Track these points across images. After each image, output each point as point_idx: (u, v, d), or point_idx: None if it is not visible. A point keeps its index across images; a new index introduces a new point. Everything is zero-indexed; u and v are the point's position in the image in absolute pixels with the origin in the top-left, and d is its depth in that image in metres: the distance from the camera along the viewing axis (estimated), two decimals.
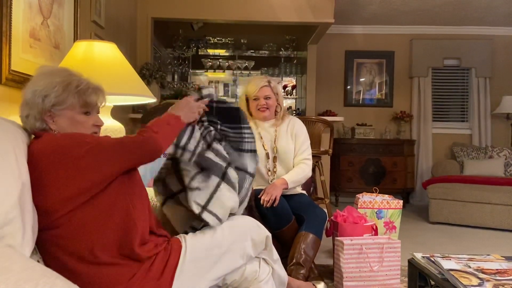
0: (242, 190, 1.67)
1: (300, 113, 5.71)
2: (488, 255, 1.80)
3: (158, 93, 4.75)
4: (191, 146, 1.58)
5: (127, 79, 2.21)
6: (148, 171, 2.32)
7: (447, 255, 1.74)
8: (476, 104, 5.95)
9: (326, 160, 4.51)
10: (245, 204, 1.73)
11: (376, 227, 2.64)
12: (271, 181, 2.50)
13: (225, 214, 1.56)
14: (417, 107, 6.01)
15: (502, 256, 1.75)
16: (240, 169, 1.69)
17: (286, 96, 6.02)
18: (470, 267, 1.55)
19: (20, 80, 1.97)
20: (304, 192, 2.68)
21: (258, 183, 2.52)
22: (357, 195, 3.04)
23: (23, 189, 1.17)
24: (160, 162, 2.29)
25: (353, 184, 5.50)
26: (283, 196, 2.40)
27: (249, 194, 1.74)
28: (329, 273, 2.59)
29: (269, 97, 2.56)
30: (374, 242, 2.37)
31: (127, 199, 1.31)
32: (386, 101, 6.13)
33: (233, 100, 6.00)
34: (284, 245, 2.37)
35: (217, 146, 1.65)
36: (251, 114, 2.62)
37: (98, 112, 1.46)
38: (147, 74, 4.32)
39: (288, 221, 2.38)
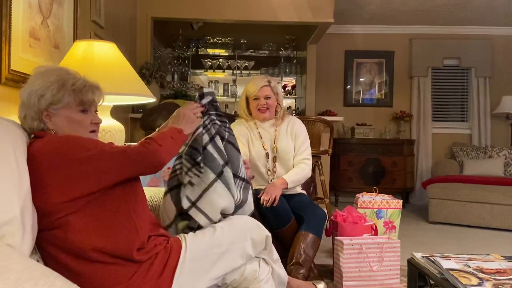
0: (235, 193, 1.63)
1: (300, 113, 5.71)
2: (488, 254, 1.80)
3: (157, 93, 4.76)
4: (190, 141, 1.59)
5: (126, 79, 2.21)
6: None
7: (446, 254, 1.74)
8: (476, 104, 5.95)
9: (326, 160, 4.51)
10: (246, 209, 1.70)
11: (375, 227, 2.64)
12: (271, 181, 2.50)
13: (215, 214, 1.54)
14: (416, 107, 6.01)
15: (501, 256, 1.75)
16: (232, 173, 1.65)
17: (286, 96, 6.02)
18: (469, 266, 1.55)
19: (19, 80, 1.97)
20: (303, 192, 2.68)
21: (258, 183, 2.52)
22: (356, 195, 3.04)
23: (23, 189, 1.17)
24: None
25: (352, 184, 5.50)
26: (283, 196, 2.40)
27: (247, 200, 1.70)
28: (328, 272, 2.59)
29: (269, 97, 2.56)
30: (373, 242, 2.37)
31: (130, 208, 1.31)
32: (385, 101, 6.13)
33: (233, 100, 6.01)
34: (284, 245, 2.37)
35: (218, 141, 1.64)
36: (251, 114, 2.63)
37: (96, 110, 1.45)
38: (146, 74, 4.32)
39: (288, 221, 2.38)
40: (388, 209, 2.92)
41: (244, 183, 1.69)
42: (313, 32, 5.01)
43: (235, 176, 1.66)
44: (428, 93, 6.00)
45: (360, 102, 6.15)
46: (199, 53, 6.01)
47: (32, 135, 1.35)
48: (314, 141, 3.51)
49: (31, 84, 1.33)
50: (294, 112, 5.85)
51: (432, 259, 1.65)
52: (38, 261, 1.24)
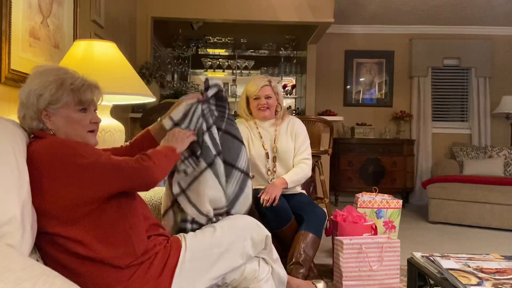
0: (229, 185, 1.64)
1: (299, 113, 5.71)
2: (488, 254, 1.80)
3: (157, 92, 4.76)
4: (184, 125, 1.60)
5: (126, 78, 2.21)
6: None
7: (446, 254, 1.74)
8: (476, 104, 5.95)
9: (325, 160, 4.51)
10: (242, 202, 1.68)
11: (375, 226, 2.64)
12: (271, 181, 2.50)
13: (202, 203, 1.54)
14: (416, 107, 6.01)
15: (501, 256, 1.76)
16: (229, 164, 1.66)
17: (285, 96, 6.02)
18: (469, 266, 1.55)
19: (19, 79, 1.97)
20: (303, 191, 2.68)
21: (258, 182, 2.52)
22: (356, 195, 3.04)
23: (22, 189, 1.17)
24: None
25: (352, 184, 5.50)
26: (283, 195, 2.40)
27: (244, 193, 1.69)
28: (328, 272, 2.60)
29: (270, 97, 2.56)
30: (373, 241, 2.37)
31: (126, 223, 1.30)
32: (385, 100, 6.13)
33: (233, 99, 6.01)
34: (283, 245, 2.37)
35: (214, 131, 1.64)
36: (251, 113, 2.63)
37: (96, 109, 1.45)
38: (146, 73, 4.32)
39: (287, 221, 2.38)
40: (388, 209, 2.92)
41: (243, 175, 1.68)
42: (313, 32, 5.01)
43: (233, 166, 1.66)
44: (428, 93, 6.00)
45: (360, 102, 6.15)
46: (199, 52, 6.01)
47: (32, 135, 1.35)
48: (314, 141, 3.51)
49: (30, 83, 1.33)
50: (294, 112, 5.85)
51: (432, 258, 1.65)
52: (37, 260, 1.24)
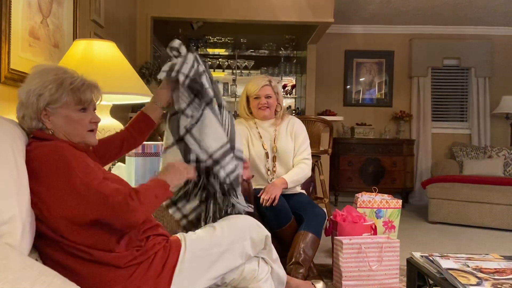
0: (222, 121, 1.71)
1: (299, 113, 5.71)
2: (487, 254, 1.80)
3: None
4: (185, 69, 1.60)
5: (126, 78, 2.21)
6: (147, 171, 2.32)
7: (445, 254, 1.74)
8: (476, 104, 5.95)
9: (325, 160, 4.51)
10: (239, 139, 1.74)
11: (375, 226, 2.64)
12: (271, 181, 2.50)
13: (202, 139, 1.59)
14: (416, 107, 6.01)
15: (500, 256, 1.76)
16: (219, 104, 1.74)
17: (285, 96, 6.02)
18: (468, 266, 1.55)
19: (19, 79, 1.96)
20: (303, 191, 2.68)
21: (257, 182, 2.52)
22: (356, 195, 3.04)
23: (21, 188, 1.18)
24: (158, 162, 2.29)
25: (352, 184, 5.51)
26: (283, 195, 2.40)
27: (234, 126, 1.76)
28: (328, 272, 2.59)
29: (270, 96, 2.57)
30: (373, 241, 2.37)
31: (111, 244, 1.28)
32: (385, 100, 6.13)
33: (233, 99, 6.01)
34: (283, 245, 2.37)
35: (208, 75, 1.69)
36: (251, 113, 2.63)
37: (95, 109, 1.45)
38: (146, 73, 4.32)
39: (287, 221, 2.38)
40: (388, 208, 2.92)
41: (230, 113, 1.76)
42: (313, 31, 5.01)
43: (220, 106, 1.74)
44: (428, 93, 6.00)
45: (360, 102, 6.15)
46: (199, 52, 6.00)
47: (31, 135, 1.35)
48: (314, 141, 3.51)
49: (29, 83, 1.33)
50: (294, 112, 5.85)
51: (431, 258, 1.65)
52: (36, 260, 1.24)
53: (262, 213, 2.33)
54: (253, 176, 2.47)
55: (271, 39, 6.00)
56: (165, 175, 1.44)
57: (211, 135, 1.62)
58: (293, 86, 6.24)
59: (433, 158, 5.92)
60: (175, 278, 1.33)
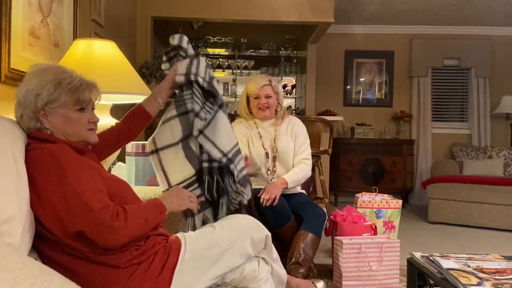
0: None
1: (299, 113, 5.71)
2: (487, 254, 1.80)
3: None
4: (202, 73, 1.66)
5: (126, 77, 2.21)
6: (148, 171, 2.32)
7: (446, 254, 1.74)
8: (476, 104, 5.95)
9: (325, 160, 4.50)
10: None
11: (375, 226, 2.64)
12: (271, 181, 2.50)
13: (217, 139, 1.65)
14: (416, 107, 6.01)
15: (501, 256, 1.76)
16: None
17: (285, 96, 6.02)
18: (469, 266, 1.55)
19: (19, 79, 1.96)
20: (303, 191, 2.68)
21: (257, 182, 2.52)
22: (356, 195, 3.04)
23: (21, 188, 1.17)
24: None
25: (352, 184, 5.50)
26: (283, 195, 2.40)
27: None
28: (328, 272, 2.59)
29: (270, 96, 2.57)
30: (373, 241, 2.37)
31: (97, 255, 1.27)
32: (385, 101, 6.13)
33: (233, 99, 6.01)
34: (283, 244, 2.37)
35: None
36: (251, 113, 2.63)
37: (93, 108, 1.44)
38: (146, 73, 4.31)
39: (287, 221, 2.38)
40: (388, 209, 2.91)
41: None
42: (313, 31, 5.00)
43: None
44: (428, 93, 6.00)
45: (360, 102, 6.15)
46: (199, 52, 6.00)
47: (30, 135, 1.34)
48: (314, 141, 3.51)
49: (27, 83, 1.32)
50: (294, 112, 5.85)
51: (431, 258, 1.65)
52: (36, 259, 1.24)
53: (262, 213, 2.33)
54: (257, 174, 2.47)
55: (271, 39, 6.00)
56: (166, 198, 1.42)
57: (225, 135, 1.68)
58: (293, 86, 6.24)
59: (433, 158, 5.92)
60: (175, 278, 1.33)
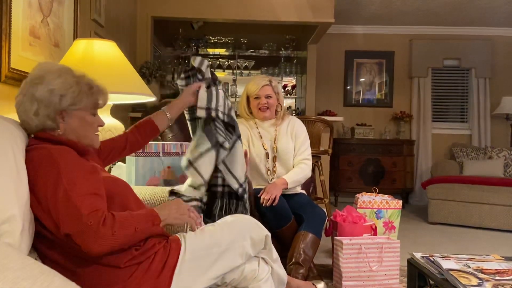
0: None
1: (299, 113, 5.71)
2: (488, 255, 1.80)
3: (157, 92, 4.76)
4: (221, 106, 1.76)
5: (127, 77, 2.21)
6: (148, 171, 2.31)
7: (446, 255, 1.74)
8: (476, 104, 5.95)
9: (325, 160, 4.51)
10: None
11: (375, 227, 2.64)
12: (271, 181, 2.50)
13: (235, 168, 1.79)
14: (416, 107, 6.01)
15: (501, 256, 1.75)
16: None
17: (286, 96, 6.02)
18: (469, 267, 1.55)
19: (19, 78, 1.96)
20: (303, 191, 2.68)
21: (257, 182, 2.52)
22: (356, 195, 3.04)
23: (21, 188, 1.17)
24: (158, 162, 2.28)
25: (352, 184, 5.50)
26: (283, 195, 2.40)
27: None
28: (328, 272, 2.59)
29: (270, 96, 2.57)
30: (373, 242, 2.37)
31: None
32: (385, 101, 6.13)
33: (233, 99, 6.01)
34: (283, 245, 2.37)
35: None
36: (251, 113, 2.63)
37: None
38: (147, 73, 4.32)
39: (287, 221, 2.38)
40: (388, 209, 2.91)
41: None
42: (313, 32, 5.01)
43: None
44: (428, 93, 6.00)
45: (360, 102, 6.15)
46: (199, 52, 6.00)
47: (32, 135, 1.35)
48: (314, 141, 3.51)
49: (49, 82, 1.32)
50: (294, 112, 5.85)
51: (432, 259, 1.65)
52: (36, 259, 1.24)
53: (262, 213, 2.33)
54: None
55: (271, 39, 6.00)
56: (163, 209, 1.39)
57: (241, 165, 1.82)
58: (293, 87, 6.24)
59: (433, 159, 5.92)
60: (175, 278, 1.33)
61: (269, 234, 1.63)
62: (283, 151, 2.54)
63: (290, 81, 6.37)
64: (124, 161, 2.39)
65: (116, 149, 1.68)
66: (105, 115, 2.21)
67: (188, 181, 1.78)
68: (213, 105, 1.74)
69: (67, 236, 1.17)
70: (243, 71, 6.00)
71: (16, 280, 0.77)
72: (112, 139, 1.70)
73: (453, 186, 4.47)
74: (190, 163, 1.74)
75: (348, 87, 6.13)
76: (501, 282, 1.41)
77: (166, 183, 2.28)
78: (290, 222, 2.39)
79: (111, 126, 2.20)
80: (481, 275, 1.46)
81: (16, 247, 1.09)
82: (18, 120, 1.37)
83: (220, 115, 1.75)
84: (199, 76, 1.83)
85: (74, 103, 1.34)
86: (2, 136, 1.21)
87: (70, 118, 1.35)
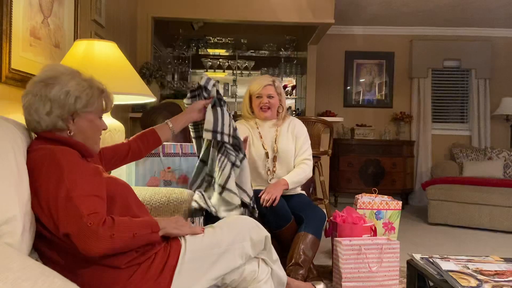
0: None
1: (299, 114, 5.71)
2: (487, 256, 1.80)
3: (158, 92, 4.76)
4: (226, 129, 1.83)
5: (127, 78, 2.21)
6: (147, 172, 2.32)
7: (446, 256, 1.75)
8: (476, 105, 5.96)
9: (325, 161, 4.51)
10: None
11: (375, 227, 2.64)
12: (270, 181, 2.50)
13: (245, 183, 1.91)
14: (416, 108, 6.02)
15: (501, 258, 1.76)
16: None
17: (286, 96, 6.01)
18: (469, 268, 1.55)
19: (20, 79, 1.97)
20: (303, 192, 2.68)
21: (257, 183, 2.52)
22: (356, 196, 3.04)
23: (22, 188, 1.17)
24: (158, 163, 2.29)
25: (352, 185, 5.50)
26: (283, 196, 2.40)
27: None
28: (328, 273, 2.59)
29: (272, 96, 2.57)
30: (373, 242, 2.37)
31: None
32: (385, 102, 6.13)
33: (233, 100, 6.01)
34: (283, 246, 2.37)
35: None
36: (253, 112, 2.63)
37: None
38: (147, 73, 4.32)
39: (287, 221, 2.38)
40: (388, 210, 2.92)
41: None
42: (314, 32, 5.01)
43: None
44: (428, 94, 6.00)
45: (360, 103, 6.16)
46: (200, 53, 6.01)
47: (35, 136, 1.35)
48: (314, 142, 3.51)
49: (65, 83, 1.33)
50: (294, 112, 5.85)
51: (431, 260, 1.65)
52: (37, 260, 1.24)
53: (262, 214, 2.33)
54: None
55: (271, 40, 6.01)
56: (163, 219, 1.40)
57: (249, 180, 1.94)
58: (294, 87, 6.25)
59: (433, 160, 5.92)
60: (175, 279, 1.33)
61: (269, 235, 1.63)
62: (284, 151, 2.55)
63: (290, 81, 6.38)
64: None
65: (118, 156, 1.71)
66: (105, 116, 2.21)
67: (221, 204, 1.88)
68: (219, 128, 1.82)
69: (66, 236, 1.17)
70: (243, 72, 6.00)
71: (17, 281, 0.78)
72: (115, 146, 1.72)
73: (453, 187, 4.48)
74: (223, 187, 1.85)
75: (348, 87, 6.13)
76: (500, 283, 1.41)
77: (166, 183, 2.29)
78: (290, 222, 2.39)
79: (111, 126, 2.20)
80: (480, 277, 1.46)
81: (16, 248, 1.09)
82: (19, 120, 1.37)
83: (226, 138, 1.83)
84: (205, 94, 1.89)
85: (87, 105, 1.36)
86: (3, 136, 1.21)
87: (81, 120, 1.36)
